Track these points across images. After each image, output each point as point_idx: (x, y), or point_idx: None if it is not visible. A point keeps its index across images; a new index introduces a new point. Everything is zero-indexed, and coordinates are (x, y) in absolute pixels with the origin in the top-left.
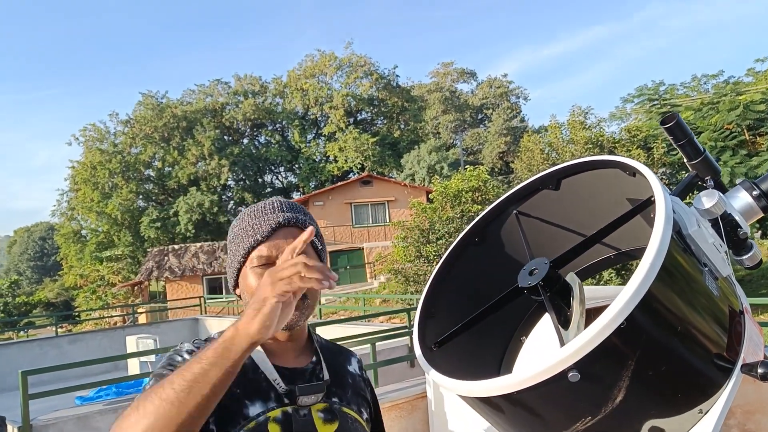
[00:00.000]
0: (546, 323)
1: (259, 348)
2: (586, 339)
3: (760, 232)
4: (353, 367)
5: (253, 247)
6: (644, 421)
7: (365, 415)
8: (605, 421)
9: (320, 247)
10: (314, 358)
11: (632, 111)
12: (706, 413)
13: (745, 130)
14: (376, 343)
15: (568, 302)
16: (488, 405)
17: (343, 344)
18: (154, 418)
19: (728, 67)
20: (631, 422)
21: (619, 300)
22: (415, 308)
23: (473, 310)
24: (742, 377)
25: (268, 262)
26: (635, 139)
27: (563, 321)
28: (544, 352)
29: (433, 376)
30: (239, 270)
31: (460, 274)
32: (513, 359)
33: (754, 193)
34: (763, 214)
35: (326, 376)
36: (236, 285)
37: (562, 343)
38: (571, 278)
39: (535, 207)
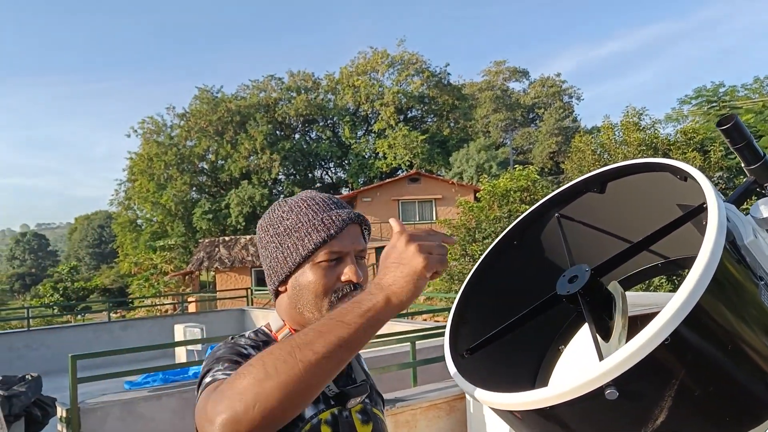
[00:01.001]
0: (588, 332)
1: None
2: (626, 354)
3: None
4: (363, 365)
5: (324, 242)
6: None
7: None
8: None
9: (368, 241)
10: None
11: (689, 113)
12: None
13: None
14: (416, 342)
15: (610, 313)
16: (520, 419)
17: (384, 341)
18: (288, 378)
19: None
20: None
21: (664, 313)
22: None
23: (509, 316)
24: None
25: (338, 257)
26: (691, 141)
27: (604, 333)
28: (583, 364)
29: (461, 384)
30: (299, 265)
31: (497, 278)
32: (550, 370)
33: None
34: None
35: (361, 376)
36: (285, 281)
37: (601, 358)
38: (614, 287)
39: (579, 210)
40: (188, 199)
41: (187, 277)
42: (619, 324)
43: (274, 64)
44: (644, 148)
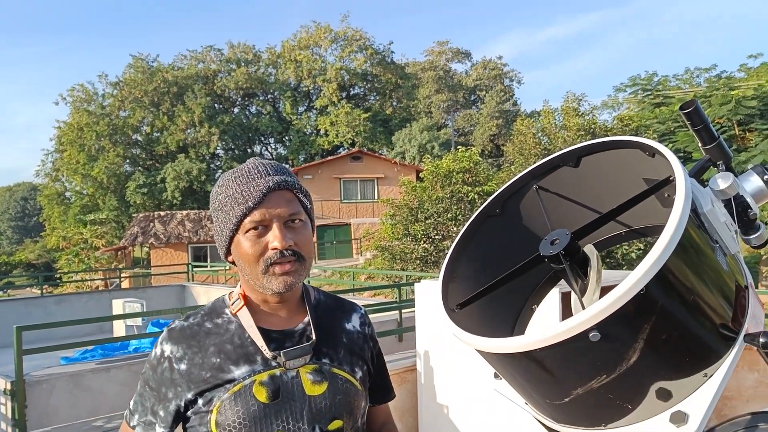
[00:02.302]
0: (553, 296)
1: (247, 312)
2: (608, 302)
3: None
4: (352, 324)
5: (246, 214)
6: (654, 382)
7: (359, 374)
8: (618, 380)
9: (309, 206)
10: (306, 318)
11: (624, 100)
12: (710, 377)
13: (735, 125)
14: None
15: (586, 272)
16: (510, 362)
17: None
18: None
19: (721, 61)
20: (642, 382)
21: (639, 269)
22: (403, 284)
23: (491, 276)
24: (744, 347)
25: (262, 225)
26: (627, 128)
27: (580, 288)
28: (553, 320)
29: (456, 333)
30: (231, 237)
31: (481, 242)
32: (524, 325)
33: (765, 177)
34: None
35: (313, 337)
36: (228, 252)
37: (583, 307)
38: (590, 250)
39: (555, 183)
40: (121, 171)
41: (119, 252)
42: (594, 280)
43: (214, 35)
44: (583, 133)
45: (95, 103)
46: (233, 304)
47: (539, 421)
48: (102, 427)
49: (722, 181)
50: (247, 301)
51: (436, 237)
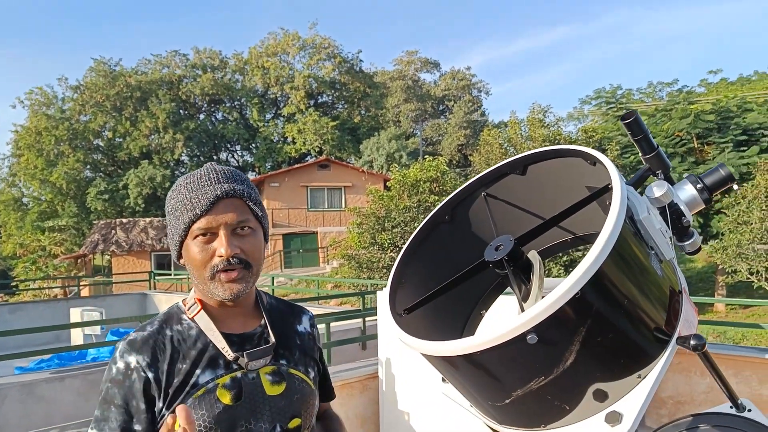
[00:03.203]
0: (503, 301)
1: (205, 316)
2: (544, 306)
3: (701, 238)
4: (303, 326)
5: (193, 221)
6: (590, 383)
7: (312, 374)
8: (556, 382)
9: (260, 214)
10: (262, 322)
11: (589, 112)
12: (644, 378)
13: (695, 139)
14: (331, 324)
15: (529, 277)
16: (451, 365)
17: None
18: None
19: (683, 76)
20: (579, 383)
21: (575, 273)
22: (368, 293)
23: (440, 282)
24: (676, 350)
25: (210, 232)
26: (591, 140)
27: (523, 294)
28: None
29: (400, 336)
30: (182, 242)
31: (430, 248)
32: (473, 330)
33: (699, 186)
34: (704, 206)
35: (272, 339)
36: (179, 256)
37: (523, 310)
38: (533, 255)
39: (503, 190)
40: (82, 177)
41: (79, 260)
42: (536, 285)
43: (179, 40)
44: (548, 144)
45: (55, 106)
46: (190, 309)
47: (485, 423)
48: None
49: (657, 189)
50: (204, 306)
51: (403, 246)
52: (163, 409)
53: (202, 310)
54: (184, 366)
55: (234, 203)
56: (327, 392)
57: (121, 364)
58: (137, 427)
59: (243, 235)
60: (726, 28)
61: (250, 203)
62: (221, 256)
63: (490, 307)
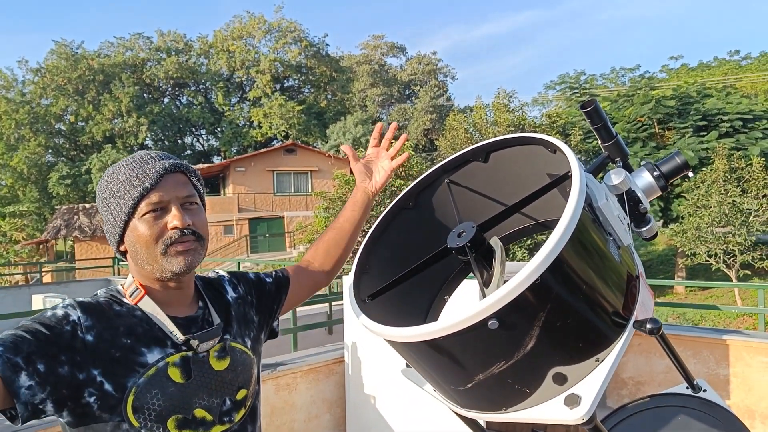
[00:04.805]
0: (467, 285)
1: (150, 301)
2: (505, 292)
3: (662, 221)
4: (230, 294)
5: (142, 196)
6: (550, 367)
7: (249, 343)
8: (517, 366)
9: (202, 191)
10: (200, 303)
11: (553, 98)
12: (602, 361)
13: (656, 124)
14: (297, 308)
15: (491, 263)
16: (414, 350)
17: None
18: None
19: (645, 62)
20: (539, 367)
21: (535, 259)
22: (335, 277)
23: (403, 268)
24: (633, 333)
25: (160, 208)
26: (555, 125)
27: (485, 280)
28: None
29: (364, 322)
30: (126, 223)
31: (394, 235)
32: (436, 315)
33: (655, 173)
34: (661, 192)
35: (216, 320)
36: (121, 242)
37: (484, 296)
38: (495, 242)
39: (466, 177)
40: (43, 162)
41: (41, 246)
42: (498, 272)
43: (143, 22)
44: (513, 129)
45: (15, 89)
46: (131, 295)
47: (448, 407)
48: (10, 426)
49: (615, 176)
50: (147, 291)
51: (368, 231)
52: (106, 385)
53: (146, 295)
54: (130, 341)
55: (180, 178)
56: (286, 272)
57: (60, 312)
58: (40, 366)
59: (191, 210)
60: (687, 15)
61: (193, 179)
62: (175, 227)
63: (453, 292)
